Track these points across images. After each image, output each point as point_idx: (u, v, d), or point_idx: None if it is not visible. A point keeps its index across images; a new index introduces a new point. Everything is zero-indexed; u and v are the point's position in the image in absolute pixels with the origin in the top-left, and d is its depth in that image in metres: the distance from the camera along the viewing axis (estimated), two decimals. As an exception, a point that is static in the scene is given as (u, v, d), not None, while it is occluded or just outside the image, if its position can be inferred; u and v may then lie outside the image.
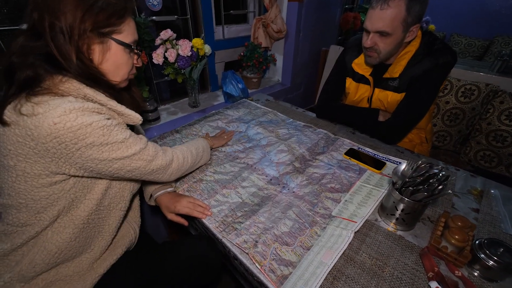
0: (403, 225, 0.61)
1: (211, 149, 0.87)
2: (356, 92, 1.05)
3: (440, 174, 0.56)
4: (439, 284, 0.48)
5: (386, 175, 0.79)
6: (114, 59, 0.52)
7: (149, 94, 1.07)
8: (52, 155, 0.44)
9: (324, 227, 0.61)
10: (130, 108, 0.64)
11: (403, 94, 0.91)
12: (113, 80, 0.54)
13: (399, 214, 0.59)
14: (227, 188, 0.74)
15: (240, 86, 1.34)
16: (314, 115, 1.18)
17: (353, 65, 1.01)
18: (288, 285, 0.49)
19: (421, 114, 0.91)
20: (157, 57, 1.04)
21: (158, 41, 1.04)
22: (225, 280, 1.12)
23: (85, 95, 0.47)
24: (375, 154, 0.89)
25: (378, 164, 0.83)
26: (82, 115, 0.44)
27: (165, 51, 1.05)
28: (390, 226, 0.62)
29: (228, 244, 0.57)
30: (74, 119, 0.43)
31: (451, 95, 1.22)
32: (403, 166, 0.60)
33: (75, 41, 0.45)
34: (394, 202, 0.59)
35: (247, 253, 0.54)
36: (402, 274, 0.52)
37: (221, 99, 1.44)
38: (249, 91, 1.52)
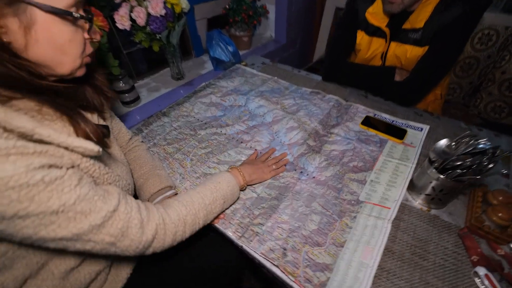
0: (439, 204, 0.56)
1: (243, 189, 0.60)
2: (369, 48, 0.90)
3: (488, 148, 0.48)
4: (487, 271, 0.45)
5: (409, 145, 0.71)
6: (48, 37, 0.33)
7: (120, 70, 0.87)
8: None
9: (354, 216, 0.55)
10: (97, 106, 0.47)
11: (426, 47, 0.78)
12: (57, 72, 0.37)
13: (436, 194, 0.53)
14: (238, 181, 0.64)
15: (230, 49, 1.13)
16: (319, 78, 1.04)
17: (366, 15, 0.84)
18: (329, 294, 0.44)
19: (446, 71, 0.80)
20: (121, 20, 0.81)
21: (119, -2, 0.80)
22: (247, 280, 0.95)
23: None
24: (393, 121, 0.80)
25: (399, 133, 0.75)
26: None
27: (131, 11, 0.82)
28: (423, 205, 0.57)
29: (252, 253, 0.50)
30: None
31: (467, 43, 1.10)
32: (443, 143, 0.52)
33: None
34: (431, 182, 0.52)
35: (277, 266, 0.47)
36: (445, 260, 0.48)
37: (209, 66, 1.24)
38: (240, 52, 1.32)
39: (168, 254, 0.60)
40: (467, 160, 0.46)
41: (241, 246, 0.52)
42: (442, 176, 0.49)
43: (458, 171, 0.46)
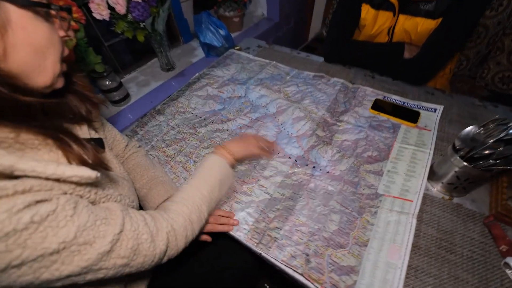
0: (462, 192, 0.53)
1: (234, 168, 0.56)
2: (375, 24, 0.83)
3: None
4: (517, 260, 0.43)
5: (423, 128, 0.68)
6: (26, 38, 0.28)
7: (104, 66, 0.78)
8: None
9: (375, 212, 0.52)
10: (84, 116, 0.41)
11: (439, 20, 0.71)
12: (38, 83, 0.31)
13: (461, 183, 0.50)
14: (247, 183, 0.60)
15: (222, 32, 1.04)
16: (320, 59, 0.97)
17: (372, -16, 0.75)
18: (358, 299, 0.42)
19: (461, 44, 0.74)
20: (98, 9, 0.71)
21: (91, -17, 0.69)
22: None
23: None
24: (404, 103, 0.75)
25: (411, 115, 0.71)
26: None
27: (108, -2, 0.71)
28: (444, 194, 0.55)
29: (272, 261, 0.48)
30: None
31: (476, 8, 1.02)
32: (470, 129, 0.48)
33: None
34: (455, 171, 0.49)
35: (302, 274, 0.45)
36: (472, 252, 0.46)
37: (200, 53, 1.15)
38: (231, 35, 1.22)
39: (182, 262, 0.58)
40: (499, 149, 0.42)
41: (260, 254, 0.49)
42: (469, 166, 0.46)
43: (491, 161, 0.43)
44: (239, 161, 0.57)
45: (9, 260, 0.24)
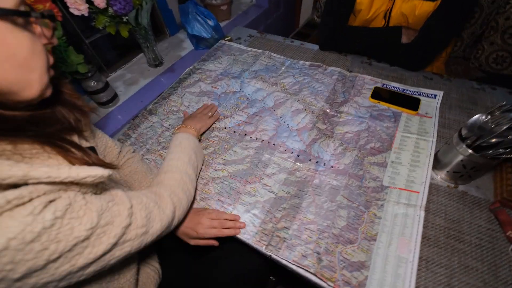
0: (467, 180, 0.53)
1: (199, 140, 0.64)
2: (371, 8, 0.80)
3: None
4: (523, 245, 0.44)
5: (424, 116, 0.67)
6: (7, 52, 0.25)
7: (87, 66, 0.73)
8: None
9: (382, 205, 0.52)
10: (74, 126, 0.40)
11: (438, 2, 0.69)
12: (24, 97, 0.28)
13: (467, 172, 0.50)
14: (250, 182, 0.58)
15: (210, 22, 0.98)
16: (315, 47, 0.93)
17: (368, -35, 0.72)
18: (371, 294, 0.42)
19: (461, 27, 0.73)
20: (75, 4, 0.65)
21: (66, -26, 0.63)
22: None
23: None
24: (404, 90, 0.74)
25: (412, 103, 0.69)
26: None
27: (86, -9, 0.65)
28: (449, 182, 0.54)
29: (283, 262, 0.47)
30: None
31: (470, -14, 1.00)
32: (476, 118, 0.47)
33: None
34: (462, 160, 0.49)
35: (314, 273, 0.44)
36: (480, 239, 0.47)
37: (188, 46, 1.09)
38: (220, 25, 1.16)
39: (190, 266, 0.57)
40: (508, 137, 0.42)
41: (270, 256, 0.48)
42: (476, 155, 0.45)
43: (501, 150, 0.42)
44: (200, 133, 0.65)
45: (47, 256, 0.25)
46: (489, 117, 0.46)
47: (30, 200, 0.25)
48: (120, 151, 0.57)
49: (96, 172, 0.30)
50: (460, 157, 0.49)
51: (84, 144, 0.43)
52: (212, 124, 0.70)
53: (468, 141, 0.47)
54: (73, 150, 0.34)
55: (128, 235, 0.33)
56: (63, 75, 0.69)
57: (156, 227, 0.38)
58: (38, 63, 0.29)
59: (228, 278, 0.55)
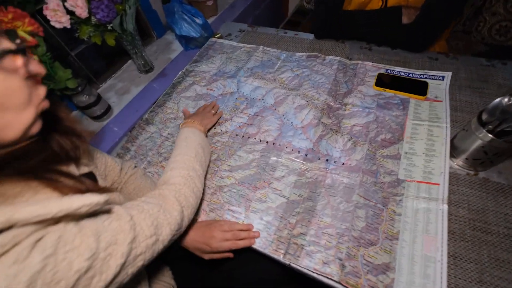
0: (488, 166, 0.50)
1: (206, 135, 0.62)
2: (367, -12, 0.75)
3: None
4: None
5: (434, 100, 0.64)
6: None
7: (76, 80, 0.69)
8: None
9: (400, 200, 0.49)
10: (70, 153, 0.37)
11: (439, -25, 0.65)
12: (5, 139, 0.26)
13: (488, 158, 0.47)
14: (260, 188, 0.56)
15: (198, 21, 0.93)
16: (310, 36, 0.89)
17: None
18: (400, 298, 0.40)
19: (464, 2, 0.68)
20: (55, 16, 0.61)
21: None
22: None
23: None
24: (409, 74, 0.70)
25: (419, 87, 0.66)
26: None
27: (62, 0, 0.61)
28: (469, 169, 0.52)
29: (304, 271, 0.45)
30: None
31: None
32: (498, 101, 0.44)
33: None
34: (483, 146, 0.46)
35: (338, 281, 0.42)
36: (508, 229, 0.44)
37: (178, 47, 1.04)
38: (208, 21, 1.11)
39: (204, 278, 0.55)
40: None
41: (289, 265, 0.46)
42: (500, 140, 0.42)
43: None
44: (206, 129, 0.62)
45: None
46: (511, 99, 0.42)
47: (14, 246, 0.22)
48: (121, 168, 0.54)
49: (91, 200, 0.26)
50: (480, 143, 0.46)
51: (83, 169, 0.40)
52: (217, 121, 0.68)
53: (490, 126, 0.44)
54: (62, 179, 0.31)
55: (138, 249, 0.31)
56: (52, 93, 0.66)
57: (166, 232, 0.36)
58: (13, 101, 0.25)
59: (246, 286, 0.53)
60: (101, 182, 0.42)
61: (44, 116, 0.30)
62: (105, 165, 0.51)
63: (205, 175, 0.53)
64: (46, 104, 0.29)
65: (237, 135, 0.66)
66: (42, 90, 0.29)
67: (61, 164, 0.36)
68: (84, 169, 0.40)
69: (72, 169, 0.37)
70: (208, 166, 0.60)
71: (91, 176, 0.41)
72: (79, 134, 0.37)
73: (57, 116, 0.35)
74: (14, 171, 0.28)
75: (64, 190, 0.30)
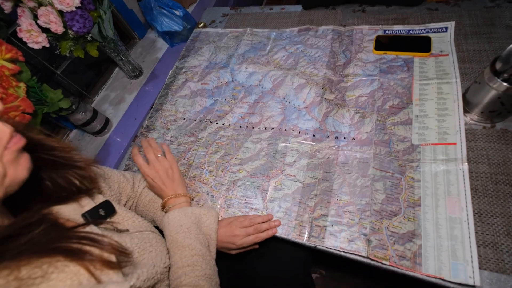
0: (505, 116, 0.48)
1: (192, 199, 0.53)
2: None
3: None
4: None
5: (439, 55, 0.60)
6: None
7: (69, 99, 0.67)
8: None
9: (417, 166, 0.48)
10: (79, 188, 0.35)
11: None
12: None
13: (506, 108, 0.45)
14: (273, 176, 0.55)
15: (178, 13, 0.88)
16: (298, 8, 0.84)
17: None
18: (430, 263, 0.40)
19: None
20: (31, 37, 0.58)
21: (5, 5, 0.55)
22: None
23: None
24: (409, 31, 0.66)
25: (422, 43, 0.62)
26: None
27: (34, 19, 0.57)
28: (485, 123, 0.50)
29: (331, 251, 0.45)
30: None
31: None
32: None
33: None
34: (499, 97, 0.44)
35: (367, 256, 0.42)
36: (531, 177, 0.43)
37: (162, 44, 1.00)
38: (189, 11, 1.05)
39: (232, 265, 0.56)
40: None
41: (315, 247, 0.46)
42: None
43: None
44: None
45: None
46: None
47: None
48: (133, 183, 0.54)
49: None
50: (496, 94, 0.44)
51: (97, 198, 0.39)
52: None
53: (505, 75, 0.41)
54: (88, 249, 0.26)
55: None
56: (47, 117, 0.64)
57: None
58: None
59: (273, 273, 0.54)
60: (118, 208, 0.41)
61: (33, 151, 0.27)
62: (118, 183, 0.51)
63: (215, 239, 0.46)
64: (18, 143, 0.25)
65: (240, 126, 0.65)
66: (19, 140, 0.25)
67: (71, 201, 0.34)
68: (99, 198, 0.40)
69: (86, 201, 0.37)
70: (217, 163, 0.60)
71: (108, 205, 0.39)
72: (78, 165, 0.35)
73: (49, 146, 0.33)
74: (17, 251, 0.23)
75: (92, 268, 0.26)
